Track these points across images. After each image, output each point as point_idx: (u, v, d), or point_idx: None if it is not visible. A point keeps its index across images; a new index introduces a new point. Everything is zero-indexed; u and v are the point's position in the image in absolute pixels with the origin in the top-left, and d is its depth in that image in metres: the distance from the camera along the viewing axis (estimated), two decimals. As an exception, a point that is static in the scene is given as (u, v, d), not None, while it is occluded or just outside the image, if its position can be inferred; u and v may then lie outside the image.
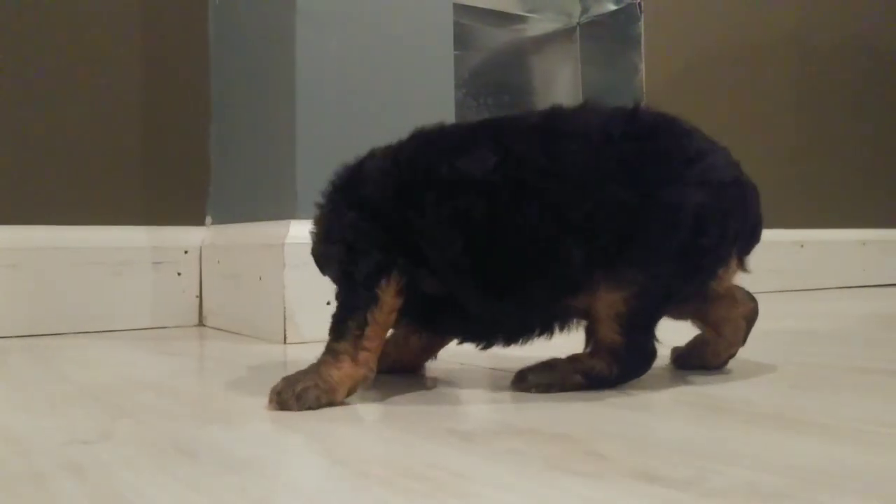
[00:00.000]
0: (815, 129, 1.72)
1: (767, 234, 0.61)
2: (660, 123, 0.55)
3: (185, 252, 1.04)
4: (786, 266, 1.60)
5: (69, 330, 0.96)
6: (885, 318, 1.11)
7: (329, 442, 0.42)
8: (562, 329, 0.57)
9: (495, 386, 0.57)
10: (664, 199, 0.52)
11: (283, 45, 0.89)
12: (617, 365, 0.54)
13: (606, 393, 0.53)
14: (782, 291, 1.55)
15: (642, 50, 1.46)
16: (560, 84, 1.48)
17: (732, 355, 0.62)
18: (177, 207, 1.06)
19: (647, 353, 0.55)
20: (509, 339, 0.57)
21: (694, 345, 0.63)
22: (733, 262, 0.57)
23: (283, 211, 0.88)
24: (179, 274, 1.04)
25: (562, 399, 0.52)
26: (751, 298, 0.62)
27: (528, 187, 0.52)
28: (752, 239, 0.59)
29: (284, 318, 0.84)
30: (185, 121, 1.06)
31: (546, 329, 0.57)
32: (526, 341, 0.57)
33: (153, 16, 1.04)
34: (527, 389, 0.54)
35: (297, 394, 0.49)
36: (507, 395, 0.54)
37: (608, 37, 1.48)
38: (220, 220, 1.06)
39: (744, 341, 0.62)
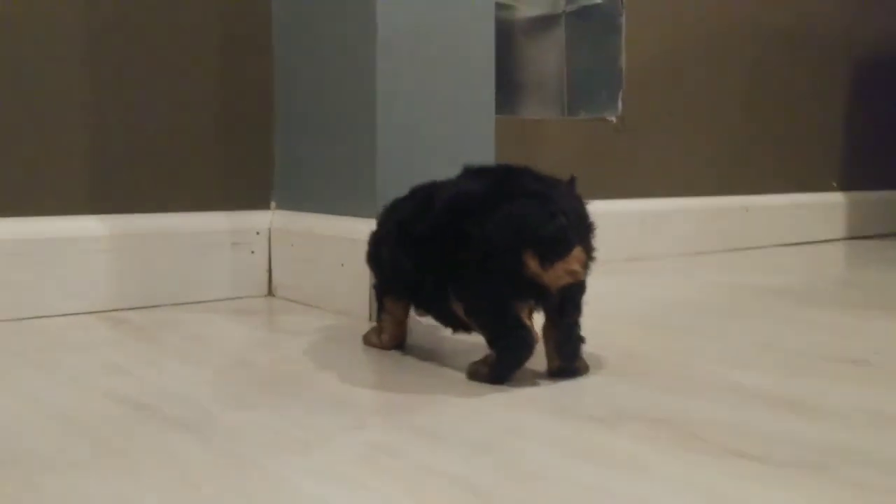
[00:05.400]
0: (761, 110, 1.96)
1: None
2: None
3: (257, 233, 1.22)
4: (734, 228, 1.86)
5: (163, 302, 1.14)
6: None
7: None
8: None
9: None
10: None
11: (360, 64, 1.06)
12: (493, 353, 0.74)
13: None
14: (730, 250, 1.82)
15: (622, 38, 1.66)
16: (546, 67, 1.66)
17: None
18: (246, 194, 1.23)
19: (508, 347, 0.73)
20: (456, 328, 0.81)
21: None
22: (530, 263, 0.71)
23: (363, 209, 1.07)
24: (253, 252, 1.22)
25: (656, 387, 0.74)
26: (561, 358, 0.76)
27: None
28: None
29: (370, 300, 1.04)
30: (251, 117, 1.23)
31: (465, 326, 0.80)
32: (462, 331, 0.81)
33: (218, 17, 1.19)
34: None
35: None
36: (597, 380, 0.76)
37: (592, 25, 1.66)
38: (285, 206, 1.23)
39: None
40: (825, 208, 2.10)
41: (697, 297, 1.26)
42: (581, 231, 0.75)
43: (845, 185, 2.17)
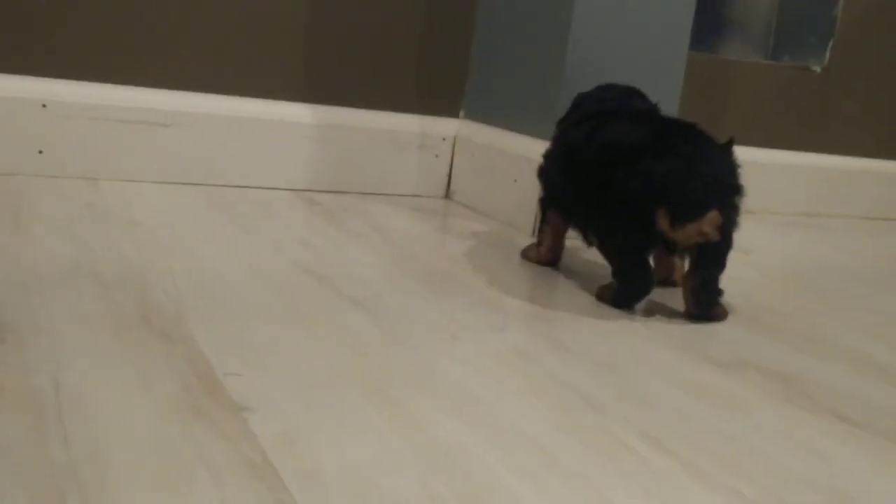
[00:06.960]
0: None
1: None
2: None
3: (444, 139, 1.31)
4: None
5: (351, 190, 1.26)
6: None
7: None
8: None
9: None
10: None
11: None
12: (614, 282, 0.83)
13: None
14: None
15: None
16: (756, 5, 1.63)
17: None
18: (439, 101, 1.32)
19: (627, 281, 0.82)
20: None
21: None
22: (661, 221, 0.78)
23: (541, 130, 1.13)
24: (437, 156, 1.31)
25: (776, 339, 0.78)
26: (695, 304, 0.81)
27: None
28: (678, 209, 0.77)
29: (535, 217, 1.11)
30: (453, 29, 1.30)
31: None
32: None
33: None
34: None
35: None
36: (738, 334, 0.81)
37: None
38: (471, 116, 1.31)
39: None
40: None
41: (865, 263, 1.25)
42: (723, 194, 0.79)
43: None
